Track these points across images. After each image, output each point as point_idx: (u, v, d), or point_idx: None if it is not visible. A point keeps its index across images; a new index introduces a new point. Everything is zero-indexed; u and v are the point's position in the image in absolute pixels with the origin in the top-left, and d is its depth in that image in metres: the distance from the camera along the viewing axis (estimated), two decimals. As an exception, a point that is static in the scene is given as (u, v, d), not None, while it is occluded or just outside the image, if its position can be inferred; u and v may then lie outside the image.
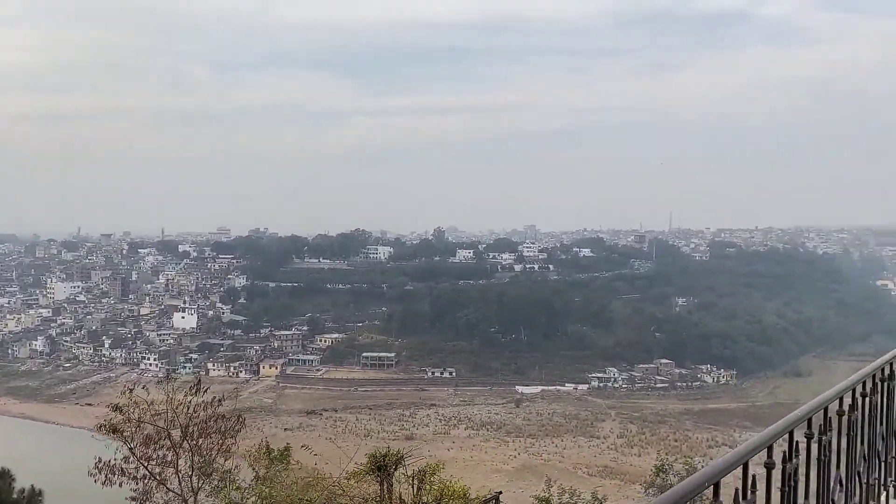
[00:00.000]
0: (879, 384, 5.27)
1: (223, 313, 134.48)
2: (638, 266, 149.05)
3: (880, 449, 5.35)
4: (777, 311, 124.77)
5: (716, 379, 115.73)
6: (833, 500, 4.25)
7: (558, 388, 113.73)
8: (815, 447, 3.94)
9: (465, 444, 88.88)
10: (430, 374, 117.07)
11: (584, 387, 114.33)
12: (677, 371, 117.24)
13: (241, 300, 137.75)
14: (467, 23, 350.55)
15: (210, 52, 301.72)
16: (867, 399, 4.92)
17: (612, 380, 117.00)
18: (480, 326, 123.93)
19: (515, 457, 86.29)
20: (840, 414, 4.43)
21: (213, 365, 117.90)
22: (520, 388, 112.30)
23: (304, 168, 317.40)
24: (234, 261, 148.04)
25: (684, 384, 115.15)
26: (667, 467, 30.17)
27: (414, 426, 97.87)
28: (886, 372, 5.43)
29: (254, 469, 15.73)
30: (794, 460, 3.61)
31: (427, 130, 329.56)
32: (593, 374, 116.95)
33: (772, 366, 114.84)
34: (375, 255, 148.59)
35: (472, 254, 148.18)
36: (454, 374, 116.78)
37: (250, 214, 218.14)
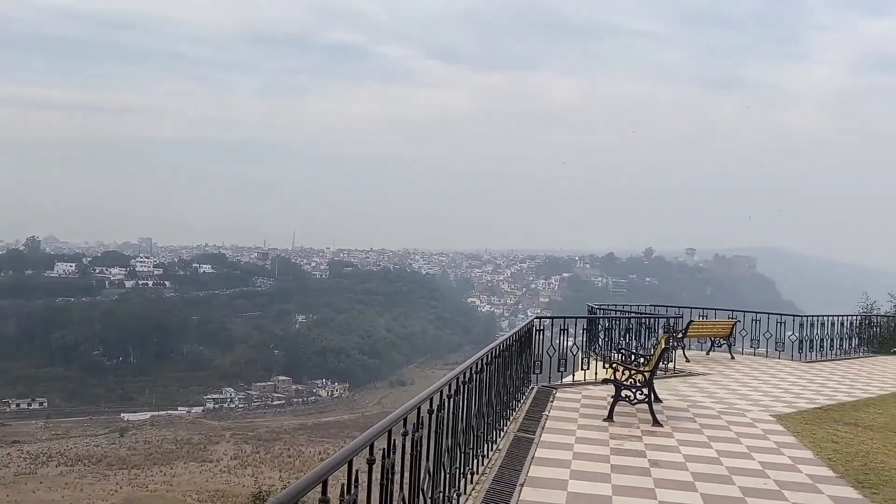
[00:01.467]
0: (462, 386, 6.24)
1: None
2: (260, 283, 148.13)
3: (461, 442, 6.22)
4: (387, 325, 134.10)
5: (330, 393, 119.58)
6: (422, 489, 4.84)
7: (170, 412, 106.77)
8: (409, 443, 4.51)
9: (55, 483, 78.06)
10: (13, 405, 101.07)
11: (198, 409, 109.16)
12: (294, 387, 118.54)
13: None
14: (80, 12, 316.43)
15: None
16: (452, 399, 5.75)
17: (229, 400, 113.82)
18: (81, 349, 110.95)
19: (117, 491, 78.29)
20: (430, 412, 5.09)
21: None
22: (126, 416, 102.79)
23: None
24: None
25: (300, 400, 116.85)
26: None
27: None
28: (467, 376, 6.48)
29: None
30: (392, 456, 4.02)
31: (23, 126, 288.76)
32: (209, 396, 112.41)
33: (381, 377, 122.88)
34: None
35: (74, 267, 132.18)
36: (45, 404, 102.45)
37: None
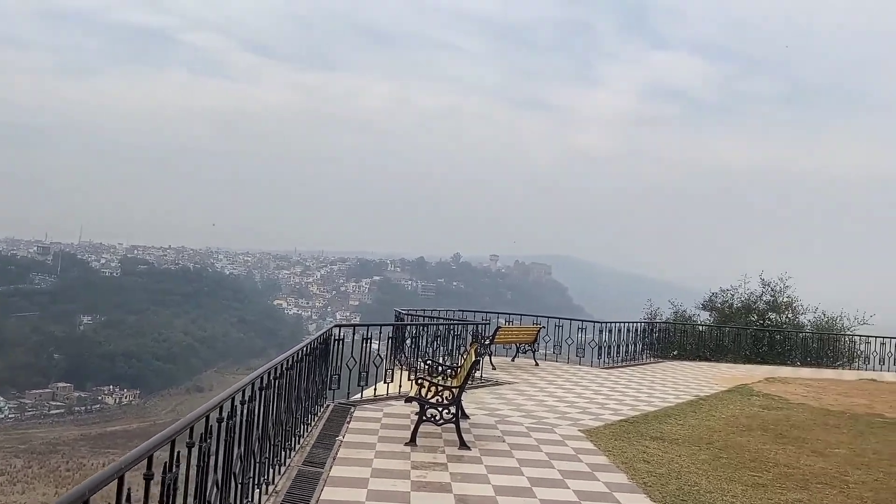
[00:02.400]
0: (258, 392, 5.73)
1: None
2: (39, 280, 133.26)
3: (256, 450, 5.70)
4: (184, 328, 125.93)
5: (118, 400, 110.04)
6: (209, 502, 4.43)
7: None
8: (195, 454, 4.14)
9: None
10: None
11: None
12: (76, 394, 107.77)
13: None
14: None
15: None
16: (245, 406, 5.27)
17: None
18: None
19: None
20: (220, 421, 4.66)
21: None
22: None
23: None
24: None
25: (83, 408, 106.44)
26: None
27: None
28: (265, 381, 6.01)
29: None
30: (176, 469, 3.65)
31: None
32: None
33: (176, 382, 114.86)
34: None
35: None
36: None
37: None
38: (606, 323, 19.48)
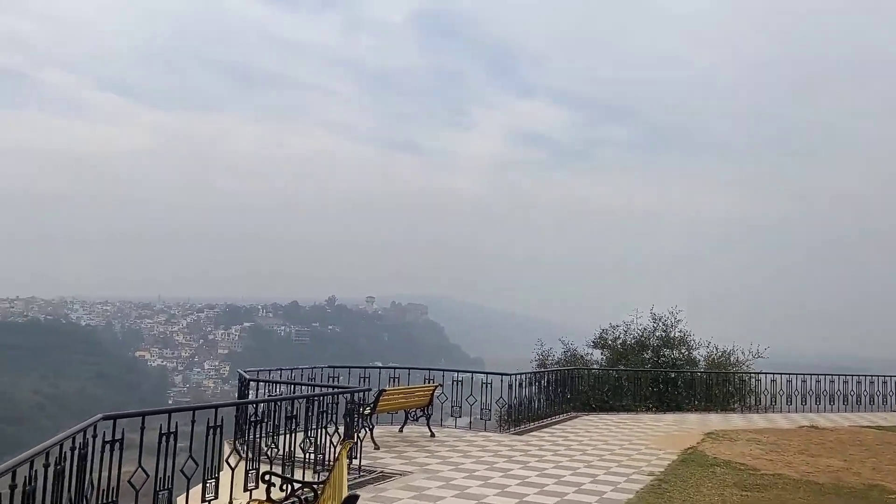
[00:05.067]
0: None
1: None
2: None
3: None
4: (32, 385, 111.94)
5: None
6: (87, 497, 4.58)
7: None
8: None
9: None
10: None
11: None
12: None
13: None
14: None
15: None
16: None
17: None
18: None
19: None
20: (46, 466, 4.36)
21: None
22: None
23: None
24: None
25: None
26: None
27: None
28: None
29: None
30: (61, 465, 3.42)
31: None
32: None
33: (22, 445, 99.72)
34: None
35: None
36: None
37: None
38: (513, 375, 15.32)
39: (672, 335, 25.03)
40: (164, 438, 6.59)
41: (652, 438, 14.50)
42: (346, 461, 6.00)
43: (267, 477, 6.17)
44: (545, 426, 15.60)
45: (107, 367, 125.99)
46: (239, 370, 12.55)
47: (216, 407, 7.60)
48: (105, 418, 6.09)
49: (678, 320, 24.75)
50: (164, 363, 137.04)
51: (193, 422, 7.02)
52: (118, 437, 6.04)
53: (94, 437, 5.85)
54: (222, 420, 7.52)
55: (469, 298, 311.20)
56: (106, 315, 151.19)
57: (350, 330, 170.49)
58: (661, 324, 24.78)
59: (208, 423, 7.36)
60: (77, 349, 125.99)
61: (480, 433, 14.19)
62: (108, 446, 5.98)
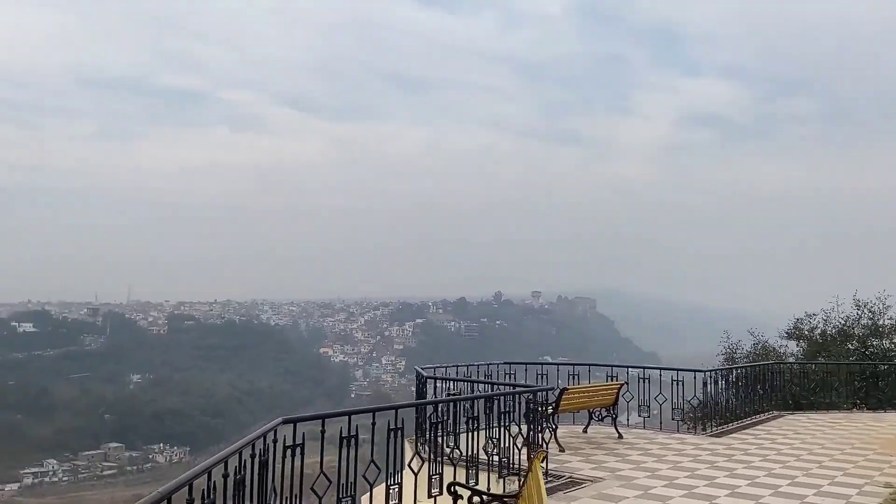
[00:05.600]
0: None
1: None
2: (90, 342, 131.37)
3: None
4: (231, 382, 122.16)
5: (169, 458, 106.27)
6: None
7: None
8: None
9: None
10: None
11: (14, 486, 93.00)
12: (127, 454, 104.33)
13: None
14: None
15: None
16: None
17: (51, 473, 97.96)
18: None
19: None
20: (225, 476, 4.44)
21: None
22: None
23: None
24: None
25: (135, 468, 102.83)
26: None
27: None
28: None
29: None
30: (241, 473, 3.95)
31: None
32: (27, 470, 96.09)
33: (224, 438, 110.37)
34: None
35: None
36: None
37: None
38: (707, 371, 13.87)
39: (881, 323, 22.35)
40: (344, 441, 6.21)
41: (878, 441, 12.52)
42: (540, 473, 5.27)
43: (453, 488, 5.58)
44: (745, 427, 14.02)
45: (294, 363, 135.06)
46: (416, 367, 12.26)
47: (396, 408, 7.17)
48: (285, 422, 5.79)
49: (887, 306, 21.98)
50: (346, 359, 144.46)
51: (374, 424, 6.59)
52: (298, 441, 5.70)
53: (275, 442, 5.54)
54: (402, 422, 7.07)
55: (641, 290, 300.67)
56: (292, 315, 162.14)
57: (517, 325, 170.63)
58: (866, 311, 22.15)
59: (388, 424, 6.93)
60: (268, 347, 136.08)
61: (673, 435, 12.94)
62: (288, 451, 5.66)
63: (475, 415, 8.55)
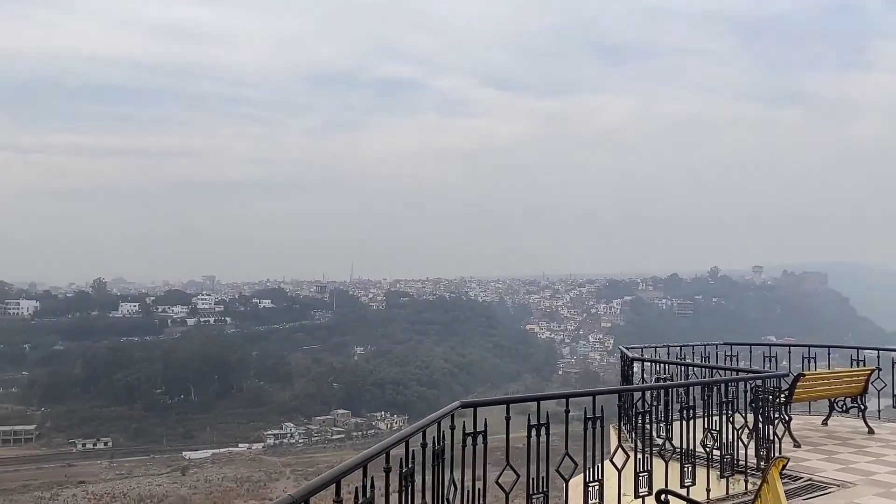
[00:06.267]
0: None
1: None
2: (319, 316, 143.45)
3: None
4: (444, 355, 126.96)
5: (389, 425, 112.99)
6: (448, 499, 4.52)
7: (231, 449, 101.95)
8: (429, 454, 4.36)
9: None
10: (80, 446, 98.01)
11: (259, 446, 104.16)
12: (353, 420, 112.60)
13: None
14: (140, 62, 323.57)
15: None
16: None
17: (289, 435, 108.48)
18: (143, 388, 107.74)
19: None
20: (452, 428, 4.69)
21: None
22: (188, 454, 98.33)
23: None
24: None
25: (360, 433, 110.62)
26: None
27: (54, 511, 79.53)
28: None
29: None
30: (410, 465, 3.95)
31: (90, 171, 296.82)
32: (269, 432, 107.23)
33: (439, 407, 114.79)
34: (17, 311, 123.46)
35: (137, 307, 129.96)
36: (110, 443, 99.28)
37: None
38: None
39: None
40: (533, 431, 5.43)
41: None
42: (779, 483, 4.11)
43: (664, 497, 4.57)
44: None
45: (502, 338, 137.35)
46: (621, 347, 11.17)
47: (594, 394, 6.24)
48: (464, 406, 5.14)
49: None
50: (552, 335, 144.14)
51: (567, 411, 5.73)
52: (480, 428, 5.01)
53: (453, 428, 4.90)
54: (603, 410, 6.12)
55: (881, 263, 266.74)
56: (498, 292, 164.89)
57: (736, 302, 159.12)
58: None
59: (585, 412, 6.03)
60: (477, 322, 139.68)
61: (941, 432, 10.63)
62: (469, 439, 4.99)
63: (690, 403, 7.37)
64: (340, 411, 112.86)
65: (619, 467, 6.41)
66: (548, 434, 5.59)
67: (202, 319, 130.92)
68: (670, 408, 7.49)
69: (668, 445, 7.20)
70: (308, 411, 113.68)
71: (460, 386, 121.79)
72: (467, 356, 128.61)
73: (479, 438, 5.06)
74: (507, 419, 5.37)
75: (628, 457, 6.54)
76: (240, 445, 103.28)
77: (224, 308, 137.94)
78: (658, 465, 6.85)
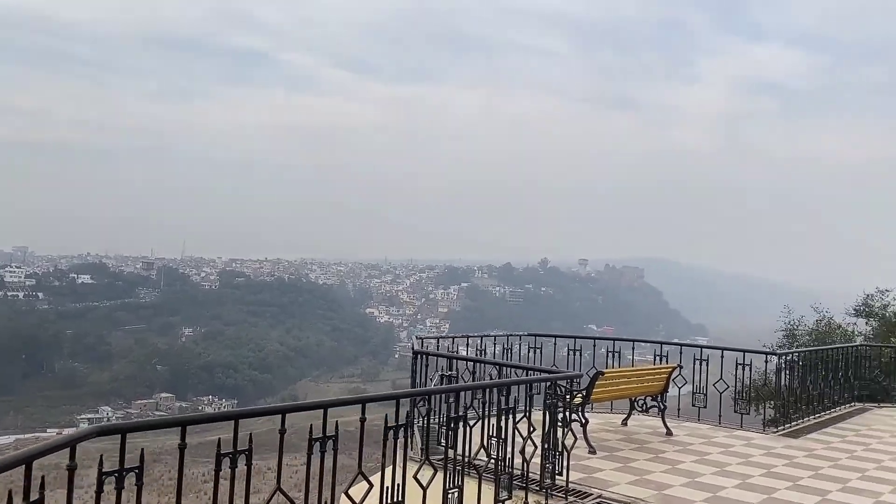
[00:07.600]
0: None
1: None
2: (144, 295, 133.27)
3: None
4: (279, 338, 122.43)
5: (217, 409, 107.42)
6: None
7: (38, 435, 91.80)
8: None
9: None
10: None
11: (70, 431, 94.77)
12: (178, 405, 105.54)
13: None
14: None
15: None
16: None
17: (106, 420, 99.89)
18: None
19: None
20: None
21: None
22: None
23: None
24: None
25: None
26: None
27: None
28: None
29: None
30: None
31: None
32: (83, 416, 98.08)
33: (272, 392, 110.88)
34: None
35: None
36: None
37: None
38: (781, 354, 11.02)
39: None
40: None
41: None
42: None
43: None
44: (824, 424, 11.15)
45: (341, 322, 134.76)
46: (415, 336, 9.76)
47: (363, 401, 4.62)
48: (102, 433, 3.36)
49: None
50: (391, 319, 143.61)
51: (363, 420, 4.06)
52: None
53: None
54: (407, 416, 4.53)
55: (690, 261, 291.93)
56: (340, 275, 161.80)
57: (563, 292, 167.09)
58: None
59: (386, 419, 4.41)
60: (316, 305, 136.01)
61: (735, 433, 10.18)
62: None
63: (486, 400, 6.02)
64: (164, 395, 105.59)
65: (425, 486, 4.94)
66: (336, 449, 3.96)
67: (10, 294, 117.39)
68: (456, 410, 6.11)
69: (451, 455, 5.81)
70: (128, 394, 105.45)
71: (295, 370, 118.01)
72: (304, 339, 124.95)
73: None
74: (282, 433, 3.63)
75: (435, 471, 5.06)
76: (49, 430, 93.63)
77: (36, 282, 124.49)
78: (471, 484, 5.43)
